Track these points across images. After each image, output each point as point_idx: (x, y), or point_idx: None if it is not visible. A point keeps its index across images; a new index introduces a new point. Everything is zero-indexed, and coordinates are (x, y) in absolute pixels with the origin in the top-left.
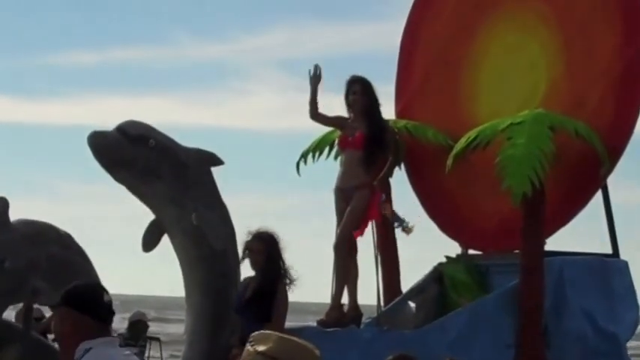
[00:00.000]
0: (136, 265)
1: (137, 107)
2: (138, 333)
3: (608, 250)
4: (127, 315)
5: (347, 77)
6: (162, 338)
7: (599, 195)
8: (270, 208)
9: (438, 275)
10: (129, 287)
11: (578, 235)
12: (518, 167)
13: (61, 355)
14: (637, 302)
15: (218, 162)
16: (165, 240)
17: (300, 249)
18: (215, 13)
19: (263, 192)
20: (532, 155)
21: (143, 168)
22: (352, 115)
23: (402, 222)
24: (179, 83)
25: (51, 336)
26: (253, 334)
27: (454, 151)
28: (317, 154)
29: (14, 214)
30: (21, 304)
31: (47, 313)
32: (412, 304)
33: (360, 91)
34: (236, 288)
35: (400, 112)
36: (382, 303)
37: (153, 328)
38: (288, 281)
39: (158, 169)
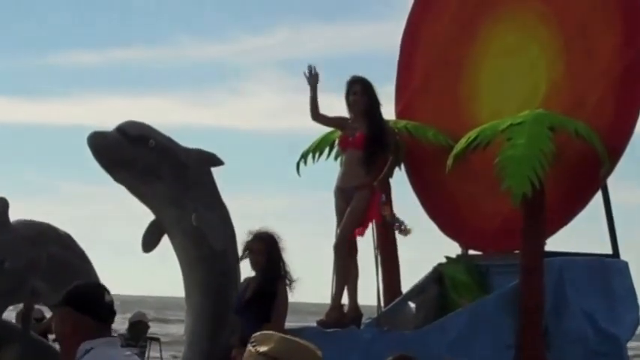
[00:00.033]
0: (136, 266)
1: (137, 107)
2: (138, 333)
3: (609, 251)
4: (128, 315)
5: (347, 78)
6: (162, 339)
7: (599, 195)
8: (270, 208)
9: (438, 276)
10: (129, 288)
11: (578, 235)
12: (518, 168)
13: (62, 355)
14: (637, 303)
15: (218, 162)
16: (166, 240)
17: (300, 249)
18: (215, 14)
19: (263, 192)
20: (532, 156)
21: (143, 168)
22: (352, 115)
23: (400, 224)
24: (179, 83)
25: (51, 336)
26: (255, 334)
27: (454, 152)
28: (317, 154)
29: (14, 215)
30: (22, 305)
31: (47, 313)
32: (412, 305)
33: (360, 92)
34: (236, 288)
35: (400, 113)
36: (382, 303)
37: (153, 329)
38: (288, 282)
39: (158, 169)
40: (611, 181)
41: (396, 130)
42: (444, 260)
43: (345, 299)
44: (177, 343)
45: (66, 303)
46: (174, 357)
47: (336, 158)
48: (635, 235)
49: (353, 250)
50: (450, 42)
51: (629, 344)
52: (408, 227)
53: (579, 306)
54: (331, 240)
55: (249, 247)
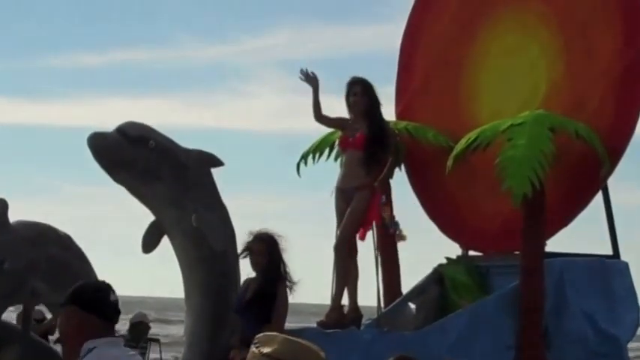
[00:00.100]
0: (136, 267)
1: (138, 108)
2: (139, 334)
3: (609, 252)
4: (128, 316)
5: (347, 79)
6: (163, 340)
7: (599, 196)
8: (270, 209)
9: (438, 276)
10: (130, 288)
11: (579, 236)
12: (519, 168)
13: (66, 354)
14: (637, 303)
15: (218, 163)
16: (166, 241)
17: (301, 250)
18: (215, 14)
19: (263, 193)
20: (532, 156)
21: (143, 169)
22: (353, 116)
23: (396, 228)
24: (179, 84)
25: (52, 337)
26: (258, 335)
27: (454, 152)
28: (317, 155)
29: (14, 216)
30: (22, 306)
31: (48, 314)
32: (412, 306)
33: (360, 92)
34: (236, 289)
35: (401, 113)
36: (382, 304)
37: (154, 330)
38: (288, 283)
39: (158, 170)
40: (612, 182)
41: (397, 131)
42: (444, 261)
43: (345, 300)
44: (178, 344)
45: (71, 301)
46: (175, 358)
47: (336, 159)
48: (635, 236)
49: (353, 250)
50: (450, 42)
51: (630, 345)
52: (403, 234)
53: (579, 307)
54: (331, 241)
55: (249, 247)
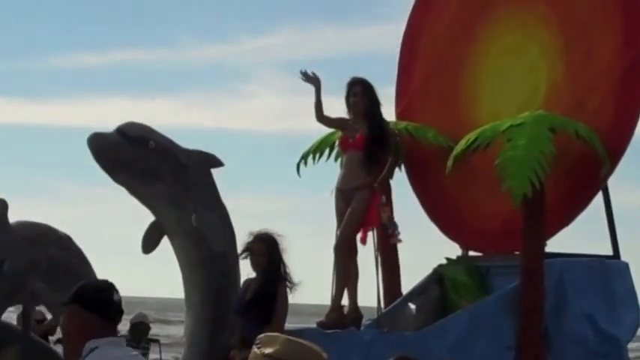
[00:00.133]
0: (136, 267)
1: (138, 108)
2: (140, 335)
3: (609, 252)
4: (129, 317)
5: (348, 79)
6: (164, 340)
7: (599, 196)
8: (270, 209)
9: (438, 277)
10: (130, 289)
11: (579, 236)
12: (519, 168)
13: (68, 353)
14: (637, 304)
15: (218, 163)
16: (167, 241)
17: (301, 250)
18: (216, 15)
19: (263, 193)
20: (532, 157)
21: (143, 170)
22: (353, 116)
23: (393, 230)
24: (180, 84)
25: (52, 338)
26: (260, 336)
27: (454, 153)
28: (317, 155)
29: (14, 216)
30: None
31: (49, 315)
32: (412, 306)
33: (360, 93)
34: (236, 289)
35: (401, 114)
36: (382, 305)
37: (155, 330)
38: (288, 284)
39: (158, 170)
40: (612, 182)
41: (397, 132)
42: (444, 261)
43: (345, 300)
44: (179, 345)
45: (74, 301)
46: (176, 359)
47: (336, 159)
48: (635, 236)
49: (353, 251)
50: (450, 43)
51: (630, 345)
52: (399, 237)
53: (579, 307)
54: (331, 241)
55: (249, 248)
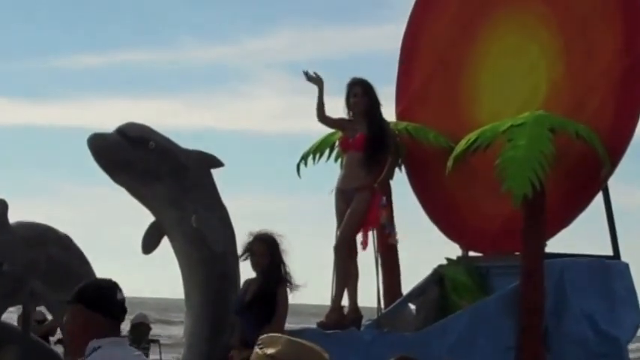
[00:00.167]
0: (136, 267)
1: (138, 109)
2: (140, 335)
3: (609, 252)
4: (129, 317)
5: (348, 79)
6: (165, 341)
7: (599, 197)
8: (270, 209)
9: (438, 277)
10: (131, 289)
11: (579, 237)
12: (519, 169)
13: (71, 352)
14: (638, 304)
15: (218, 164)
16: (167, 242)
17: (301, 251)
18: (216, 15)
19: (263, 194)
20: (532, 157)
21: (143, 170)
22: (353, 117)
23: (390, 231)
24: (180, 85)
25: (53, 338)
26: (261, 336)
27: (454, 153)
28: (317, 156)
29: (14, 216)
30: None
31: (49, 315)
32: (412, 307)
33: (360, 93)
34: (236, 290)
35: (401, 114)
36: (382, 305)
37: (156, 331)
38: (289, 285)
39: (158, 171)
40: (612, 183)
41: (397, 132)
42: (444, 262)
43: (345, 301)
44: (180, 345)
45: (77, 300)
46: (177, 359)
47: (336, 160)
48: (635, 237)
49: (353, 251)
50: (451, 43)
51: (630, 346)
52: (396, 238)
53: (580, 307)
54: (331, 242)
55: (250, 248)
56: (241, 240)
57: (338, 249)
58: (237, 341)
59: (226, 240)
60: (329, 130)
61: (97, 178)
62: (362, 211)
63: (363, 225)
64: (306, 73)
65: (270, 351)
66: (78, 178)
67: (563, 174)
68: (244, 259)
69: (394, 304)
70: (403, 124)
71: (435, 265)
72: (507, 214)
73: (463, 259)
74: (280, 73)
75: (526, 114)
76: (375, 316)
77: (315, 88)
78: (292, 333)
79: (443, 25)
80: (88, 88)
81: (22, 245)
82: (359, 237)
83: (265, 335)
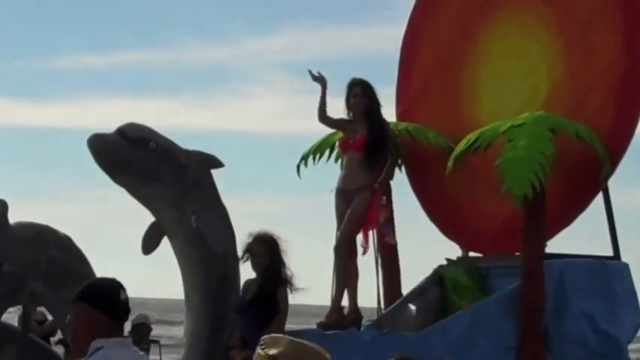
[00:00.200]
0: (137, 268)
1: (138, 109)
2: (140, 336)
3: (609, 253)
4: (130, 317)
5: (348, 80)
6: (166, 341)
7: (600, 197)
8: (270, 209)
9: (438, 278)
10: (131, 290)
11: (579, 237)
12: (519, 169)
13: (74, 351)
14: (638, 305)
15: (218, 164)
16: (167, 242)
17: (301, 251)
18: (216, 15)
19: (263, 194)
20: (533, 157)
21: (143, 170)
22: (353, 117)
23: (388, 232)
24: (180, 85)
25: (53, 339)
26: (263, 337)
27: (455, 154)
28: (317, 156)
29: (14, 216)
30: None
31: (49, 316)
32: (412, 307)
33: (360, 94)
34: (235, 290)
35: (401, 115)
36: (382, 305)
37: (157, 331)
38: (289, 285)
39: (158, 171)
40: (612, 183)
41: (397, 132)
42: (444, 262)
43: (345, 301)
44: (182, 346)
45: (81, 298)
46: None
47: (336, 160)
48: (635, 237)
49: (353, 252)
50: (451, 43)
51: (630, 346)
52: (394, 239)
53: (580, 308)
54: (331, 242)
55: (250, 249)
56: (241, 240)
57: (338, 249)
58: (237, 341)
59: (226, 240)
60: (329, 131)
61: (97, 179)
62: (362, 211)
63: (363, 225)
64: (312, 73)
65: (272, 351)
66: (78, 178)
67: (563, 174)
68: (245, 261)
69: (394, 304)
70: (403, 125)
71: (435, 266)
72: (507, 214)
73: (463, 260)
74: (280, 73)
75: (526, 114)
76: (375, 317)
77: (317, 89)
78: (292, 334)
79: (443, 25)
80: (89, 88)
81: (22, 245)
82: (359, 238)
83: (267, 336)
